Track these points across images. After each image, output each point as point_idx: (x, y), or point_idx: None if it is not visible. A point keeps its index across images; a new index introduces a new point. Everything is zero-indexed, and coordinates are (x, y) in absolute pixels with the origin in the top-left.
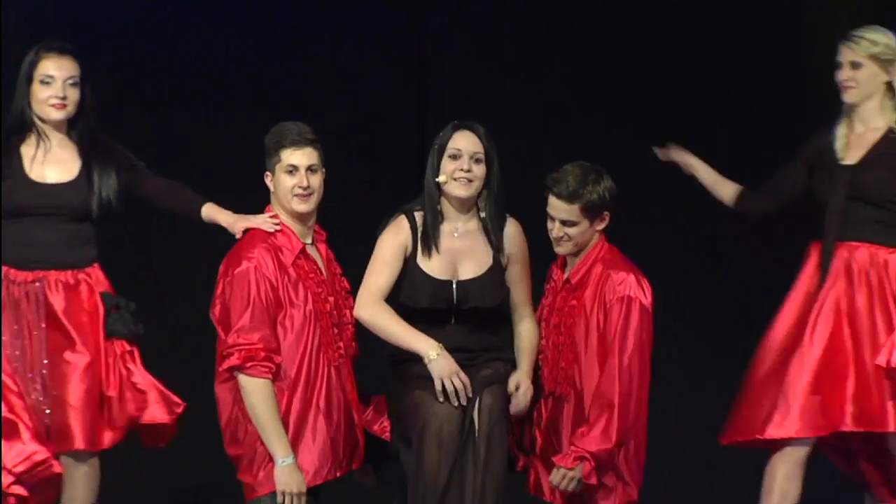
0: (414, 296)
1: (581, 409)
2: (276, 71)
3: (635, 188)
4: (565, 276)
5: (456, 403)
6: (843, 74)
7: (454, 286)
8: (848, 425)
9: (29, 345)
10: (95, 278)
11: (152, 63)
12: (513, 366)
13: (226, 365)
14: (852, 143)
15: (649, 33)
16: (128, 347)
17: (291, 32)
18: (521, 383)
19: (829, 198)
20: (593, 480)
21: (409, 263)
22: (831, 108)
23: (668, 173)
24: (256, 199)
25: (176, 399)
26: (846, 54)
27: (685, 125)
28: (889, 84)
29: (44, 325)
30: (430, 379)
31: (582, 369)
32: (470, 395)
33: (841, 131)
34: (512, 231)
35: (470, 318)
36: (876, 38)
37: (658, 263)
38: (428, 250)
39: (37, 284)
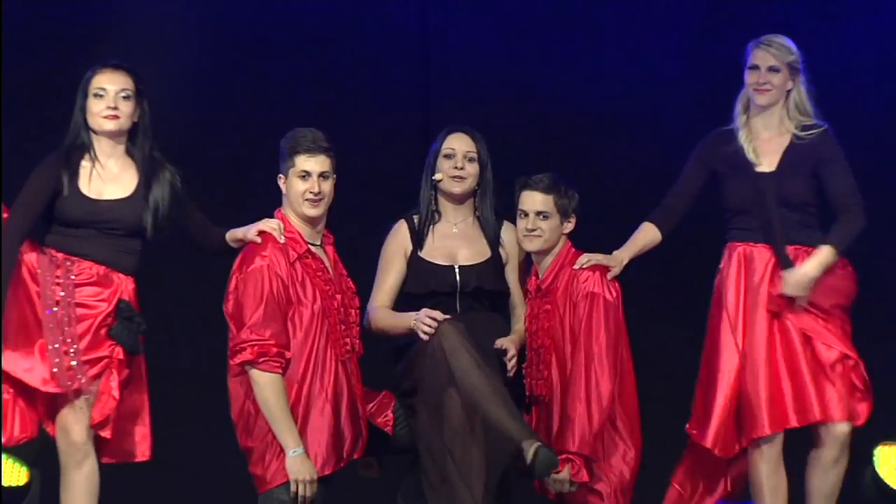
0: (420, 282)
1: (561, 407)
2: (284, 80)
3: (628, 195)
4: (537, 283)
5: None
6: (762, 77)
7: (456, 270)
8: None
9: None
10: (125, 286)
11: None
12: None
13: (238, 359)
14: (760, 149)
15: (649, 43)
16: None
17: (298, 44)
18: (505, 345)
19: (755, 205)
20: (584, 477)
21: (412, 259)
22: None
23: (660, 183)
24: (259, 200)
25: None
26: (764, 58)
27: (681, 137)
28: (788, 92)
29: (73, 301)
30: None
31: (562, 369)
32: (440, 318)
33: (744, 137)
34: (508, 234)
35: (474, 304)
36: (790, 47)
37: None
38: (426, 242)
39: (68, 263)
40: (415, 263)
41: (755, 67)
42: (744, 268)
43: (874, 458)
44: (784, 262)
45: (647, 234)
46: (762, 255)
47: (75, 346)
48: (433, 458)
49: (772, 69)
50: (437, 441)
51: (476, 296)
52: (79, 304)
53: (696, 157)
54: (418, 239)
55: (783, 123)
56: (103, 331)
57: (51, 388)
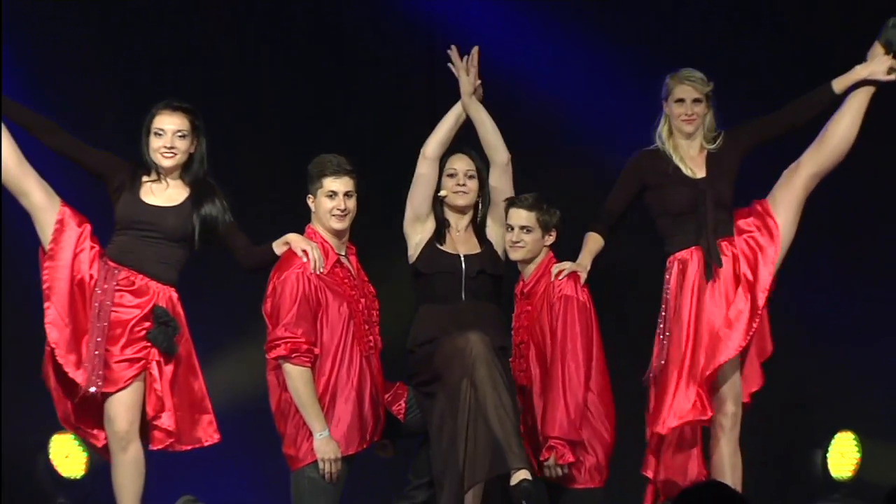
0: (432, 264)
1: (541, 395)
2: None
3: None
4: (521, 287)
5: None
6: (689, 109)
7: (462, 258)
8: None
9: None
10: (162, 294)
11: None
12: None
13: (273, 354)
14: (688, 163)
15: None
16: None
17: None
18: None
19: (692, 207)
20: (569, 458)
21: (428, 246)
22: None
23: None
24: (291, 217)
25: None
26: (689, 92)
27: None
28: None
29: (109, 303)
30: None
31: (539, 361)
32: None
33: (675, 156)
34: (489, 221)
35: (477, 290)
36: (706, 79)
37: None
38: (442, 240)
39: (115, 272)
40: (431, 250)
41: (681, 101)
42: (683, 276)
43: (826, 443)
44: (715, 257)
45: (595, 242)
46: (695, 259)
47: (106, 349)
48: (447, 438)
49: (696, 101)
50: (452, 423)
51: (478, 280)
52: (114, 307)
53: (627, 172)
54: (438, 234)
55: (702, 143)
56: (137, 333)
57: (79, 380)
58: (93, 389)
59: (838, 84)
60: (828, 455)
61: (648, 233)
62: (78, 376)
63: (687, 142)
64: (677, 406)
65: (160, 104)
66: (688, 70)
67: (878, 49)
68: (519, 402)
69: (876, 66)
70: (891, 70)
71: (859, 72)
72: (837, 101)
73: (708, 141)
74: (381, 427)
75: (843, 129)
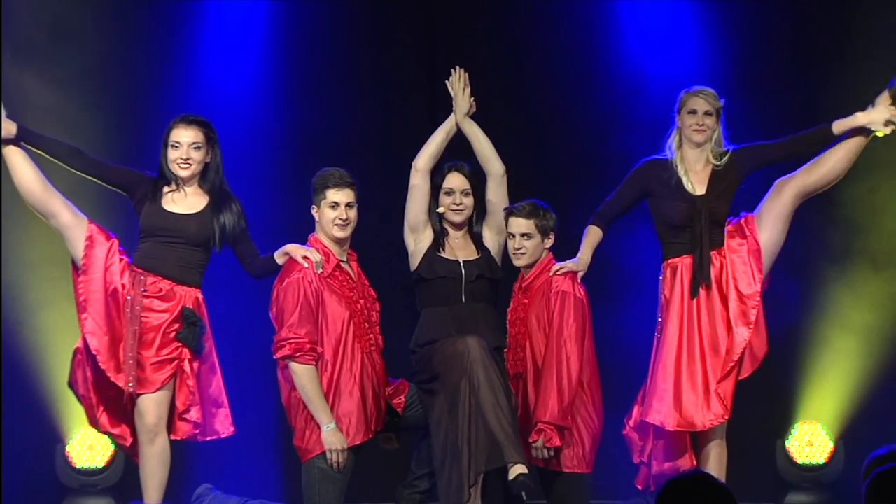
0: (433, 270)
1: (535, 383)
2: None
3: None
4: (520, 283)
5: None
6: (699, 120)
7: (461, 263)
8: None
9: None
10: (188, 296)
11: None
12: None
13: (279, 354)
14: (693, 177)
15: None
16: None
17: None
18: None
19: (690, 221)
20: (556, 442)
21: (429, 253)
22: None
23: None
24: (296, 226)
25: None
26: (701, 105)
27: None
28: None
29: (139, 308)
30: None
31: (534, 352)
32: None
33: (681, 169)
34: (484, 230)
35: (475, 293)
36: (717, 96)
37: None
38: (441, 248)
39: (141, 277)
40: (431, 258)
41: (694, 112)
42: (674, 281)
43: (790, 432)
44: (706, 275)
45: (595, 235)
46: (686, 266)
47: (139, 352)
48: (445, 433)
49: (707, 113)
50: (450, 420)
51: (477, 284)
52: (145, 313)
53: (633, 177)
54: (437, 242)
55: (709, 157)
56: (169, 336)
57: (120, 383)
58: (130, 389)
59: (838, 126)
60: (787, 444)
61: (650, 234)
62: (119, 380)
63: (695, 153)
64: (686, 410)
65: (177, 118)
66: (701, 86)
67: (885, 98)
68: (513, 391)
69: (876, 115)
70: (888, 123)
71: (860, 118)
72: (836, 141)
73: (715, 157)
74: (384, 418)
75: (835, 161)
